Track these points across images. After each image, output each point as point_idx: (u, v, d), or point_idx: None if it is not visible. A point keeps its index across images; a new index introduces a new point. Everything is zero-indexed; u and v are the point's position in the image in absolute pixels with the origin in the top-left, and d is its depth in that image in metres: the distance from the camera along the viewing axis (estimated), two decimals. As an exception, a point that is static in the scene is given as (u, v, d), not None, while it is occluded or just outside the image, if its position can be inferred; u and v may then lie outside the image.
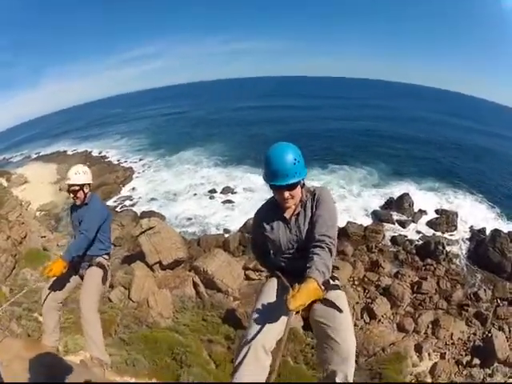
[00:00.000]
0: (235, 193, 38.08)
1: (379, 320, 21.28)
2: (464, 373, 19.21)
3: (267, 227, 3.33)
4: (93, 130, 67.48)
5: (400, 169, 42.05)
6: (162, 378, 13.20)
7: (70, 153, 52.46)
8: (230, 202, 36.12)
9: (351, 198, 36.50)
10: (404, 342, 20.33)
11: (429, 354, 20.30)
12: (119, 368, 12.09)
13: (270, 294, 3.27)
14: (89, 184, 5.23)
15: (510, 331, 21.28)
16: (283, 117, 66.61)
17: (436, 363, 19.65)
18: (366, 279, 24.23)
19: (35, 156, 52.20)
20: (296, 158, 3.00)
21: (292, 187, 3.05)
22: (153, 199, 37.73)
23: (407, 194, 34.46)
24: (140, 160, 49.55)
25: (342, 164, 42.39)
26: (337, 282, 3.27)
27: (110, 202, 37.25)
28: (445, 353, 20.45)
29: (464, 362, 19.76)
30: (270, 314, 3.05)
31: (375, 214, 32.75)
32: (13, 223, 23.62)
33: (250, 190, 38.26)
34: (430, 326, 21.81)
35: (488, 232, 29.24)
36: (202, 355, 15.26)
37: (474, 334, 21.41)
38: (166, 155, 50.30)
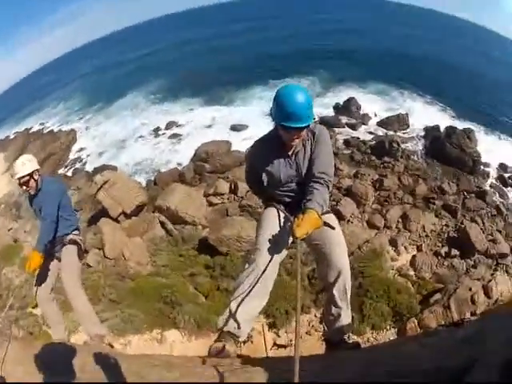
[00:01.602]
0: (179, 125, 37.62)
1: (348, 220, 21.66)
2: (445, 264, 19.80)
3: (267, 161, 3.45)
4: (30, 106, 64.58)
5: (342, 74, 41.57)
6: (161, 325, 13.46)
7: (11, 136, 50.66)
8: (176, 135, 35.67)
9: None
10: (378, 238, 20.79)
11: (405, 248, 20.84)
12: (118, 329, 12.16)
13: (270, 223, 3.45)
14: (37, 170, 5.18)
15: (483, 223, 21.95)
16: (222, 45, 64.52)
17: (414, 256, 20.27)
18: (325, 183, 24.44)
19: None
20: (309, 101, 3.07)
21: (301, 130, 3.13)
22: (101, 153, 36.97)
23: (353, 98, 34.35)
24: (80, 119, 48.10)
25: (282, 78, 41.14)
26: (328, 209, 3.42)
27: (60, 170, 36.57)
28: (421, 245, 21.03)
29: (443, 253, 20.35)
30: (273, 243, 3.24)
31: (323, 121, 31.79)
32: (-25, 229, 23.10)
33: (192, 121, 37.98)
34: (400, 220, 22.33)
35: (442, 130, 29.49)
36: (188, 291, 15.62)
37: (447, 226, 22.03)
38: (105, 107, 49.04)
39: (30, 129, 49.93)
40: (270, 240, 3.27)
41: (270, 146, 3.42)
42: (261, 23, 73.54)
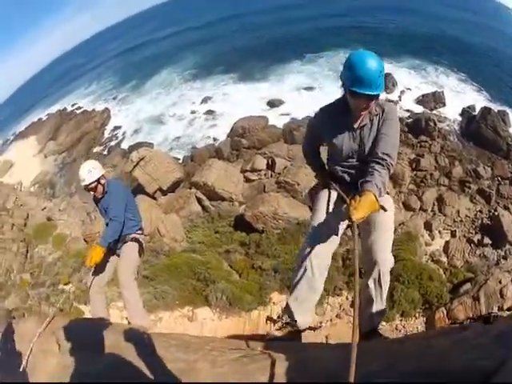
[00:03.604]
0: (214, 101, 37.34)
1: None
2: (477, 252, 19.57)
3: (331, 131, 3.31)
4: (62, 88, 64.66)
5: (376, 48, 40.52)
6: (192, 302, 13.57)
7: (44, 118, 50.39)
8: (211, 111, 35.45)
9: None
10: (413, 220, 20.66)
11: (439, 232, 20.66)
12: (150, 305, 12.38)
13: (324, 208, 3.39)
14: (103, 175, 5.34)
15: None
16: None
17: (448, 241, 20.06)
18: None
19: (12, 137, 50.37)
20: (381, 69, 2.92)
21: (372, 98, 2.98)
22: (136, 131, 37.07)
23: (389, 74, 33.05)
24: (114, 98, 48.06)
25: (318, 52, 40.77)
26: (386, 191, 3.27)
27: (96, 149, 36.98)
28: (455, 230, 20.75)
29: (476, 241, 20.08)
30: (326, 230, 3.23)
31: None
32: (12, 210, 23.85)
33: (229, 94, 37.79)
34: (436, 203, 22.09)
35: (478, 110, 28.54)
36: (222, 268, 15.71)
37: (481, 212, 21.66)
38: (138, 85, 48.98)
39: (63, 110, 49.86)
40: (321, 229, 3.24)
41: (335, 116, 3.26)
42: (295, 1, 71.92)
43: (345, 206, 3.13)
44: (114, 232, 5.16)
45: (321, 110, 3.41)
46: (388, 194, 3.40)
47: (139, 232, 5.66)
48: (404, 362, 2.29)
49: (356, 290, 2.33)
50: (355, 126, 3.21)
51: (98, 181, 5.26)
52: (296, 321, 3.27)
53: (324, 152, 3.66)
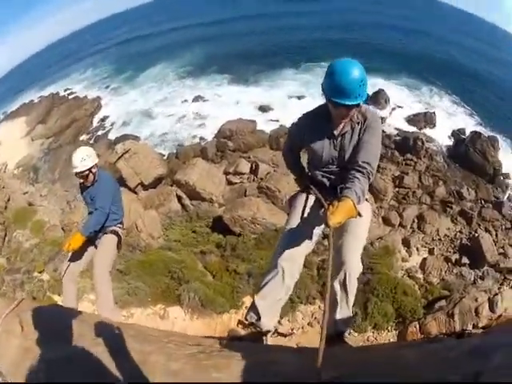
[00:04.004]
0: (206, 100, 37.40)
1: (363, 214, 21.52)
2: (454, 271, 19.78)
3: (311, 137, 3.30)
4: (56, 72, 64.20)
5: (371, 65, 40.70)
6: (165, 301, 13.51)
7: (36, 100, 49.89)
8: (201, 110, 35.44)
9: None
10: (391, 235, 20.86)
11: (417, 249, 20.89)
12: (123, 300, 12.26)
13: (299, 212, 3.40)
14: (95, 164, 5.33)
15: (496, 235, 21.77)
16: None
17: (425, 259, 20.29)
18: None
19: (2, 116, 49.83)
20: (363, 79, 2.91)
21: (352, 107, 2.98)
22: (125, 123, 36.88)
23: (383, 90, 33.51)
24: (107, 87, 47.92)
25: (317, 61, 40.12)
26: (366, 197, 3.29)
27: (82, 137, 36.76)
28: (433, 248, 21.04)
29: (453, 260, 20.30)
30: (300, 234, 3.24)
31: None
32: (-7, 191, 23.47)
33: (220, 95, 37.79)
34: (416, 220, 22.33)
35: (468, 133, 28.91)
36: (197, 268, 15.72)
37: (461, 232, 21.94)
38: (132, 77, 48.94)
39: (56, 94, 49.46)
40: (295, 232, 3.25)
41: (317, 122, 3.26)
42: (295, 8, 72.10)
43: (322, 210, 3.09)
44: (98, 222, 5.18)
45: (303, 115, 3.40)
46: (367, 200, 3.44)
47: (120, 226, 5.68)
48: (368, 371, 2.25)
49: (328, 291, 2.38)
50: (336, 132, 3.21)
51: (89, 170, 5.24)
52: (260, 320, 3.22)
53: (304, 156, 3.66)
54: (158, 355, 2.74)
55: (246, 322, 3.30)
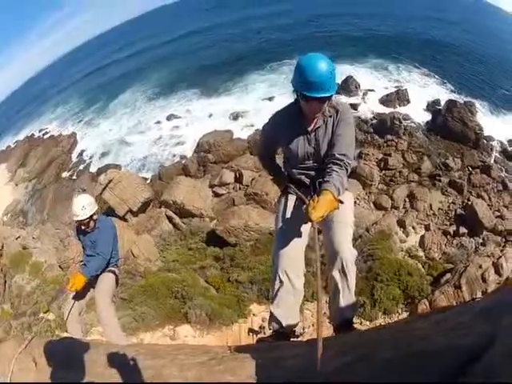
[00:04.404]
0: (179, 117, 37.50)
1: (354, 202, 21.52)
2: (454, 243, 19.84)
3: (285, 135, 3.29)
4: (28, 114, 64.33)
5: (335, 53, 40.85)
6: (172, 321, 13.41)
7: (12, 146, 50.41)
8: (176, 127, 35.68)
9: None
10: (385, 219, 20.78)
11: (413, 228, 20.91)
12: (130, 327, 12.17)
13: (282, 215, 3.39)
14: (96, 211, 5.48)
15: (489, 199, 21.90)
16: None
17: (423, 236, 20.30)
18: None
19: None
20: (332, 70, 2.90)
21: (324, 100, 2.97)
22: (103, 154, 36.99)
23: (351, 77, 33.71)
24: (79, 122, 48.01)
25: (281, 60, 41.00)
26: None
27: (64, 174, 36.77)
28: (429, 224, 21.07)
29: (451, 232, 20.37)
30: (289, 236, 3.21)
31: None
32: (-16, 241, 23.36)
33: (193, 111, 37.86)
34: (407, 199, 22.42)
35: (443, 104, 29.07)
36: (199, 284, 15.60)
37: (454, 203, 22.06)
38: (103, 107, 48.99)
39: (31, 136, 49.75)
40: (285, 233, 3.24)
41: (289, 120, 3.25)
42: (252, 12, 72.62)
43: (304, 206, 3.07)
44: (99, 267, 5.30)
45: (274, 114, 3.37)
46: (347, 190, 3.32)
47: (115, 266, 5.82)
48: (381, 348, 2.18)
49: (318, 285, 2.40)
50: (309, 129, 3.20)
51: (91, 217, 5.36)
52: (283, 326, 3.22)
53: (279, 156, 3.64)
54: (170, 368, 2.72)
55: (272, 332, 3.31)
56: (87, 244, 5.59)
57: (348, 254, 3.08)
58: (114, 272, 5.72)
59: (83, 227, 5.46)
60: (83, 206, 5.29)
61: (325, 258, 3.28)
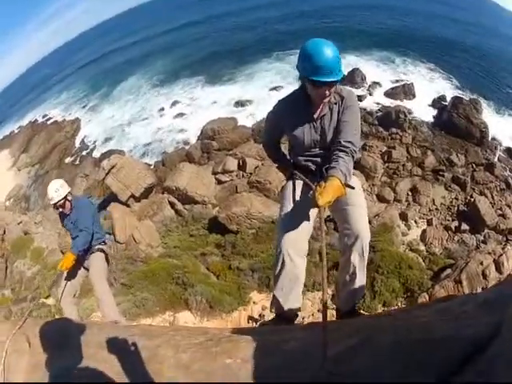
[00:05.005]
0: (183, 104, 37.36)
1: (358, 191, 21.54)
2: (455, 239, 19.78)
3: (291, 123, 3.27)
4: (32, 99, 64.29)
5: (342, 44, 40.58)
6: (173, 307, 13.44)
7: (16, 131, 50.51)
8: (181, 114, 35.46)
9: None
10: (388, 211, 20.79)
11: (415, 222, 20.85)
12: (131, 313, 12.22)
13: (290, 199, 3.35)
14: (69, 192, 5.79)
15: (492, 197, 21.77)
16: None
17: (425, 230, 20.25)
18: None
19: None
20: (338, 55, 2.89)
21: (332, 84, 2.96)
22: (107, 139, 36.88)
23: (357, 69, 33.57)
24: (84, 107, 47.85)
25: (287, 50, 40.07)
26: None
27: (67, 159, 36.81)
28: (431, 219, 21.00)
29: (453, 228, 20.30)
30: (296, 218, 3.18)
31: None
32: (-13, 226, 23.45)
33: (197, 98, 37.77)
34: (410, 193, 22.31)
35: (448, 100, 28.91)
36: (200, 271, 15.62)
37: (456, 199, 21.95)
38: (107, 93, 48.80)
39: (34, 122, 49.59)
40: (291, 217, 3.21)
41: (294, 108, 3.22)
42: (258, 1, 72.17)
43: (311, 192, 3.08)
44: (85, 241, 5.53)
45: (279, 102, 3.34)
46: (354, 175, 3.36)
47: (103, 243, 6.03)
48: (384, 333, 2.21)
49: (324, 270, 2.47)
50: (315, 116, 3.19)
51: (65, 198, 5.66)
52: (284, 309, 3.24)
53: (285, 143, 3.63)
54: (166, 348, 2.73)
55: (274, 317, 3.34)
56: (70, 227, 5.83)
57: (366, 235, 3.12)
58: (102, 250, 5.94)
59: (61, 209, 5.75)
60: (56, 188, 5.60)
61: (339, 239, 3.33)
